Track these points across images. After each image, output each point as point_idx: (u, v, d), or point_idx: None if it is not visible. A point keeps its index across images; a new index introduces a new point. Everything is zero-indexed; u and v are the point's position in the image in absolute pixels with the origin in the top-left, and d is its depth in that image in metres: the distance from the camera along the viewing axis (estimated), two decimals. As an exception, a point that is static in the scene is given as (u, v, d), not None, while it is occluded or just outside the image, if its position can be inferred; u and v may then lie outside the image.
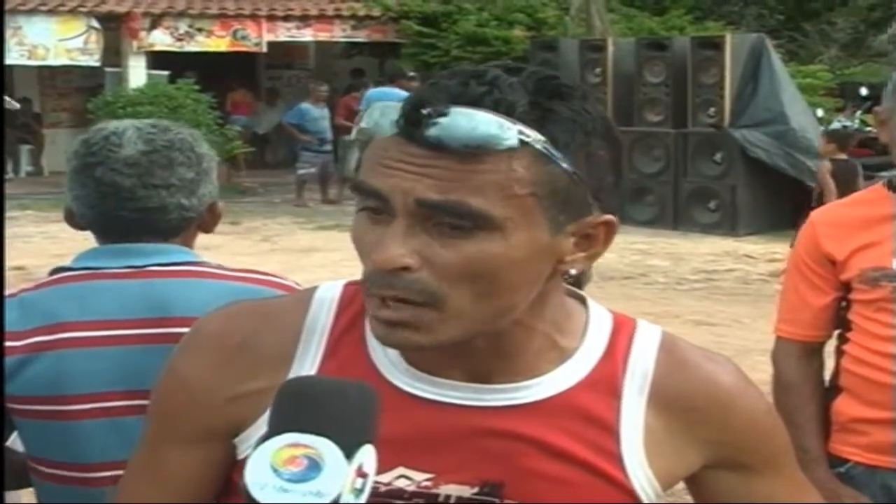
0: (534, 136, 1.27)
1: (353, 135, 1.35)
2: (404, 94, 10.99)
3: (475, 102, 1.27)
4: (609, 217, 1.36)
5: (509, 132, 1.26)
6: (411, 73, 17.41)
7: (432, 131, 1.25)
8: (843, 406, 2.95)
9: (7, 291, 2.23)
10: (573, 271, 1.36)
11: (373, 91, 17.54)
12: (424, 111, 1.26)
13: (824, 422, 2.99)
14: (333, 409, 1.18)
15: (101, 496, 2.13)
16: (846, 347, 2.96)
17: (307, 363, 1.41)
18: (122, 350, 2.15)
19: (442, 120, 1.25)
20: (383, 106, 1.32)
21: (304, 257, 12.63)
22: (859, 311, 2.90)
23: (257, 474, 1.14)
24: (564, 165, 1.29)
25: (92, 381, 2.14)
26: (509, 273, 1.29)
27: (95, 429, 2.15)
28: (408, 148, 1.27)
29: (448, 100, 1.27)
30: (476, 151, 1.25)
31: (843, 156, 11.11)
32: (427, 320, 1.29)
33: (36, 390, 2.15)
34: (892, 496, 2.90)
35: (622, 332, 1.45)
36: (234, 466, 1.44)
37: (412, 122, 1.27)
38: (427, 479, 1.37)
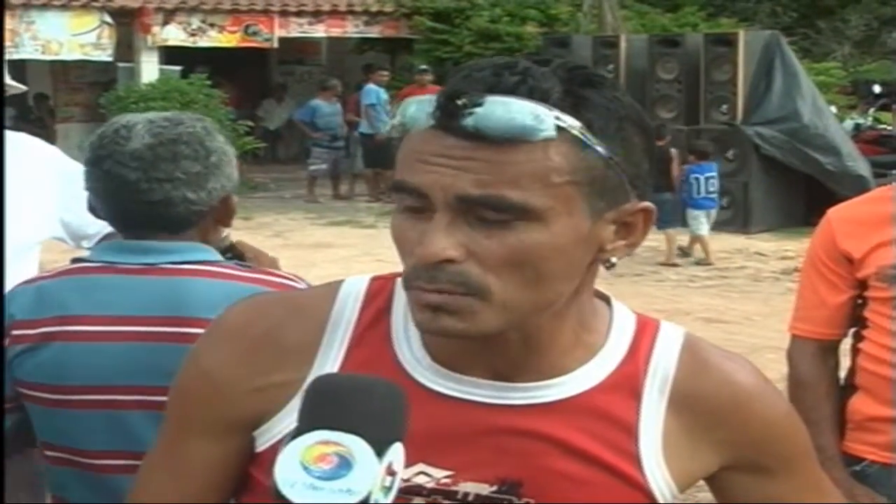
0: (570, 123, 1.27)
1: (389, 131, 1.36)
2: (382, 90, 11.09)
3: (510, 91, 1.27)
4: (647, 204, 1.36)
5: (546, 119, 1.25)
6: (423, 67, 17.43)
7: (469, 121, 1.25)
8: (859, 404, 2.95)
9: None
10: (614, 259, 1.36)
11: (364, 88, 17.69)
12: (460, 101, 1.26)
13: (840, 420, 2.99)
14: (363, 406, 1.18)
15: (105, 481, 2.17)
16: (862, 346, 2.95)
17: (331, 357, 1.41)
18: (127, 346, 2.16)
19: (478, 110, 1.25)
20: (418, 100, 1.32)
21: (316, 253, 12.64)
22: (876, 308, 2.90)
23: (287, 472, 1.13)
24: (601, 150, 1.29)
25: (92, 374, 2.17)
26: (553, 261, 1.29)
27: (96, 419, 2.18)
28: (445, 140, 1.27)
29: (483, 90, 1.27)
30: (514, 140, 1.25)
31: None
32: (473, 309, 1.28)
33: (41, 378, 2.20)
34: (907, 495, 2.89)
35: (645, 333, 1.45)
36: (252, 459, 1.44)
37: (448, 113, 1.27)
38: (446, 477, 1.37)
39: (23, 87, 3.39)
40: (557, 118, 1.26)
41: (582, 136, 1.28)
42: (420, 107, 1.31)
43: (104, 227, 2.65)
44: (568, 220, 1.28)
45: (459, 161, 1.26)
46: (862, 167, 14.49)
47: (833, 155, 14.48)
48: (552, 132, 1.26)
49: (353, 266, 11.29)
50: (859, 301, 2.95)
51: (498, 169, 1.25)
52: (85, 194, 2.32)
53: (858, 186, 11.22)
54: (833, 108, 18.27)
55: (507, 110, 1.25)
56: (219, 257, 2.29)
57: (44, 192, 2.90)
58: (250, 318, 1.45)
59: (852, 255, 2.90)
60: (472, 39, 19.80)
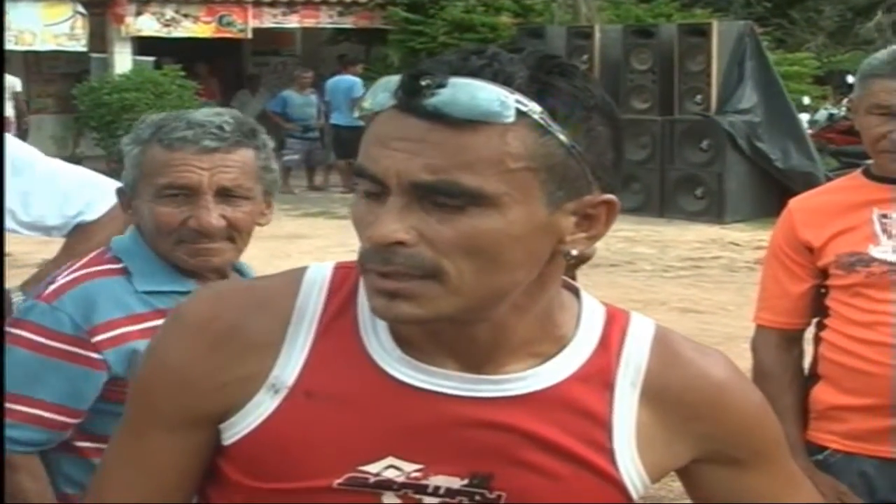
0: (531, 107, 1.27)
1: (356, 115, 1.35)
2: (357, 80, 10.94)
3: (474, 74, 1.27)
4: (610, 197, 1.34)
5: (507, 102, 1.25)
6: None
7: (431, 101, 1.25)
8: (821, 394, 2.97)
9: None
10: (574, 252, 1.35)
11: (331, 80, 17.61)
12: (423, 82, 1.26)
13: (804, 410, 3.00)
14: None
15: None
16: (824, 334, 2.97)
17: (296, 349, 1.39)
18: None
19: (441, 90, 1.25)
20: (384, 81, 1.32)
21: (290, 244, 12.59)
22: (836, 296, 2.92)
23: None
24: (562, 138, 1.28)
25: None
26: (508, 249, 1.28)
27: None
28: (405, 120, 1.27)
29: (448, 71, 1.27)
30: (473, 122, 1.25)
31: None
32: (428, 292, 1.28)
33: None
34: (869, 483, 2.91)
35: (615, 325, 1.44)
36: (219, 452, 1.43)
37: (410, 93, 1.27)
38: (417, 470, 1.36)
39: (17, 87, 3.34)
40: (518, 101, 1.26)
41: (542, 122, 1.27)
42: (386, 87, 1.30)
43: (71, 219, 2.63)
44: (523, 208, 1.28)
45: (416, 143, 1.26)
46: (810, 165, 14.53)
47: (781, 152, 14.55)
48: (512, 116, 1.25)
49: (328, 257, 11.14)
50: (822, 290, 2.97)
51: (454, 152, 1.25)
52: (46, 184, 2.30)
53: (805, 183, 11.23)
54: (806, 99, 18.32)
55: (468, 92, 1.25)
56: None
57: None
58: (212, 311, 1.43)
59: (812, 245, 2.92)
60: (447, 30, 19.75)
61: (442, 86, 1.25)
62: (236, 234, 2.25)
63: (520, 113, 1.26)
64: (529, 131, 1.27)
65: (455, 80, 1.26)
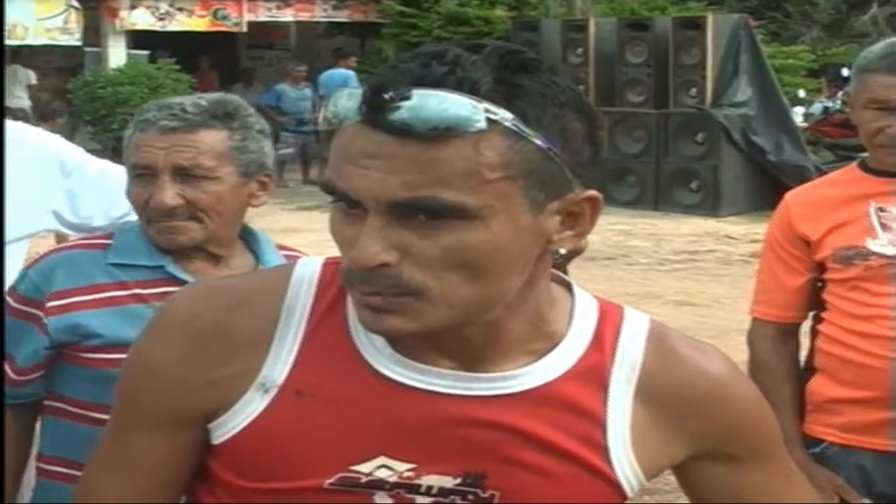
0: (502, 115, 1.22)
1: (321, 124, 1.30)
2: (352, 73, 10.84)
3: (438, 83, 1.22)
4: (592, 192, 1.31)
5: (476, 112, 1.21)
6: None
7: (396, 115, 1.20)
8: (818, 386, 2.97)
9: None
10: (563, 250, 1.33)
11: (324, 74, 17.58)
12: (387, 95, 1.21)
13: (800, 403, 3.00)
14: None
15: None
16: (821, 327, 2.97)
17: (286, 347, 1.37)
18: None
19: (405, 103, 1.20)
20: (349, 92, 1.27)
21: (285, 238, 12.36)
22: (833, 290, 2.92)
23: None
24: (537, 142, 1.24)
25: None
26: (495, 259, 1.25)
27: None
28: (373, 136, 1.23)
29: (410, 82, 1.22)
30: (443, 135, 1.21)
31: None
32: (415, 308, 1.25)
33: None
34: (866, 476, 2.91)
35: (609, 320, 1.42)
36: (208, 451, 1.41)
37: (374, 108, 1.22)
38: (409, 470, 1.34)
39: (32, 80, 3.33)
40: (488, 110, 1.22)
41: (515, 128, 1.23)
42: (350, 100, 1.26)
43: (116, 220, 2.66)
44: (507, 217, 1.24)
45: (388, 161, 1.22)
46: (802, 159, 14.55)
47: (774, 145, 14.56)
48: (483, 125, 1.21)
49: (323, 251, 11.07)
50: (819, 284, 2.97)
51: (428, 167, 1.21)
52: (94, 186, 2.38)
53: (797, 177, 11.22)
54: (801, 92, 18.32)
55: (434, 104, 1.20)
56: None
57: (31, 184, 2.79)
58: (198, 309, 1.40)
59: (809, 238, 2.92)
60: (441, 23, 19.74)
61: (406, 98, 1.20)
62: (201, 214, 2.30)
63: (490, 121, 1.22)
64: (503, 139, 1.23)
65: (419, 92, 1.21)
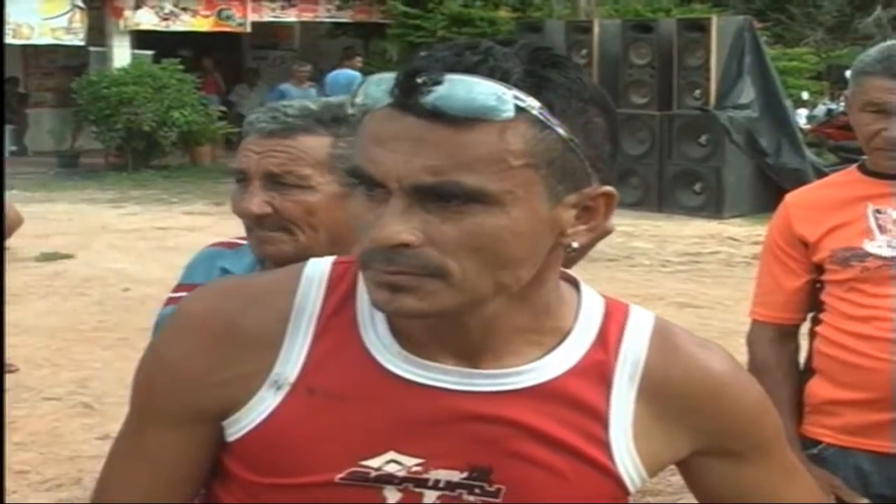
0: (530, 102, 1.26)
1: (349, 111, 1.34)
2: (357, 74, 10.66)
3: (470, 71, 1.25)
4: (609, 188, 1.34)
5: (505, 98, 1.24)
6: None
7: (428, 99, 1.24)
8: (816, 388, 2.97)
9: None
10: (575, 244, 1.35)
11: (330, 74, 17.59)
12: (419, 79, 1.25)
13: (799, 404, 3.01)
14: None
15: None
16: (819, 329, 2.98)
17: (297, 346, 1.40)
18: None
19: (438, 88, 1.24)
20: (378, 78, 1.30)
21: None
22: (831, 291, 2.92)
23: None
24: (561, 132, 1.28)
25: None
26: (512, 245, 1.28)
27: None
28: (402, 119, 1.26)
29: (443, 68, 1.25)
30: (472, 120, 1.24)
31: None
32: (431, 288, 1.28)
33: None
34: (864, 477, 2.91)
35: (614, 318, 1.44)
36: (223, 449, 1.43)
37: (406, 91, 1.25)
38: (417, 464, 1.37)
39: None
40: (517, 97, 1.25)
41: (541, 117, 1.27)
42: (380, 84, 1.29)
43: None
44: (526, 204, 1.27)
45: (414, 143, 1.25)
46: (800, 162, 14.55)
47: (774, 147, 14.57)
48: (511, 112, 1.25)
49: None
50: (818, 285, 2.98)
51: (453, 151, 1.24)
52: None
53: (794, 180, 11.23)
54: (805, 94, 18.32)
55: (466, 89, 1.24)
56: None
57: None
58: (211, 308, 1.43)
59: (807, 239, 2.93)
60: (445, 24, 19.74)
61: (438, 83, 1.24)
62: (291, 225, 2.10)
63: (518, 109, 1.25)
64: (528, 127, 1.26)
65: (451, 77, 1.24)
